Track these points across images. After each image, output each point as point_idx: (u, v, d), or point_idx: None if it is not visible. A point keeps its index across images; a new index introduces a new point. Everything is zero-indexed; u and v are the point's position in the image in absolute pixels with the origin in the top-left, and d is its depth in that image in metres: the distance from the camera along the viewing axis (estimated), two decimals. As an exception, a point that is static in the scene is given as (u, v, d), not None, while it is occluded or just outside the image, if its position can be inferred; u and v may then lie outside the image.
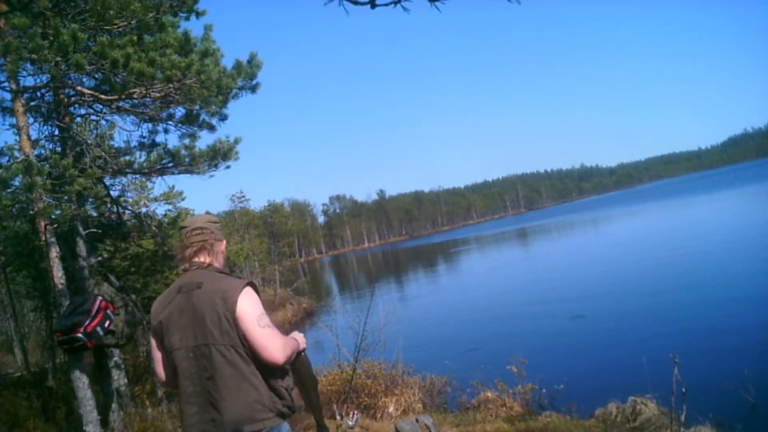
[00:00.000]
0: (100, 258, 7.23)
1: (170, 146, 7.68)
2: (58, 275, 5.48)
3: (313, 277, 53.40)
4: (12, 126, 5.93)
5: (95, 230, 7.21)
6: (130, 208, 8.70)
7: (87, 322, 4.97)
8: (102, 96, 6.34)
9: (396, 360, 9.33)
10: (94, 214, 8.24)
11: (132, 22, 5.90)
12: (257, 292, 2.24)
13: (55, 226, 5.94)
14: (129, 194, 9.00)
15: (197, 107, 6.91)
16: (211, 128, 7.55)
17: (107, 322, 5.17)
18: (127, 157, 7.80)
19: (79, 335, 4.95)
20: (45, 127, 6.67)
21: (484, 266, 38.30)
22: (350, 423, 6.95)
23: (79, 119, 6.89)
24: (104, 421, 6.02)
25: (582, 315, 15.21)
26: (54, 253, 5.46)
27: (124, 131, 7.95)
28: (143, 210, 8.73)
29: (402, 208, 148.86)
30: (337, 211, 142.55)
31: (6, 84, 5.59)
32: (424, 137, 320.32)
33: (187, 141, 7.57)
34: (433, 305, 23.94)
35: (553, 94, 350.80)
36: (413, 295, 29.44)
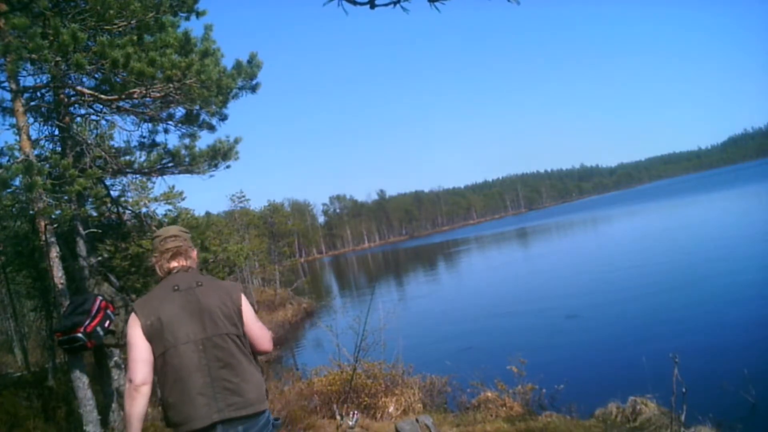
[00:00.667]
0: (100, 258, 7.23)
1: (170, 146, 7.70)
2: (58, 275, 5.48)
3: (313, 277, 53.41)
4: (12, 126, 5.93)
5: (95, 230, 7.21)
6: (130, 208, 8.70)
7: (87, 322, 4.97)
8: (102, 96, 6.34)
9: (396, 360, 9.34)
10: (94, 214, 8.24)
11: (132, 21, 5.90)
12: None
13: (55, 225, 5.94)
14: (129, 194, 9.00)
15: (197, 107, 6.91)
16: (211, 128, 7.55)
17: (107, 322, 5.17)
18: (127, 157, 7.80)
19: (79, 335, 4.95)
20: (45, 127, 6.68)
21: (484, 266, 38.30)
22: (350, 423, 6.95)
23: (79, 119, 6.88)
24: (104, 421, 6.03)
25: (576, 314, 15.24)
26: (54, 253, 5.46)
27: (124, 131, 7.96)
28: (143, 210, 8.72)
29: (402, 208, 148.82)
30: (337, 211, 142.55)
31: (6, 84, 5.59)
32: (424, 137, 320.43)
33: (187, 141, 7.58)
34: (433, 305, 23.94)
35: (554, 94, 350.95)
36: (413, 295, 29.45)
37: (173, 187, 11.86)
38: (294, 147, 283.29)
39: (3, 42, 4.91)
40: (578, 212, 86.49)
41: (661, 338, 11.09)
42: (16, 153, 5.66)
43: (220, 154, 7.50)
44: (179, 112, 7.36)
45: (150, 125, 7.59)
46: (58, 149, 6.65)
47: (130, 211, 8.52)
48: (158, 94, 6.28)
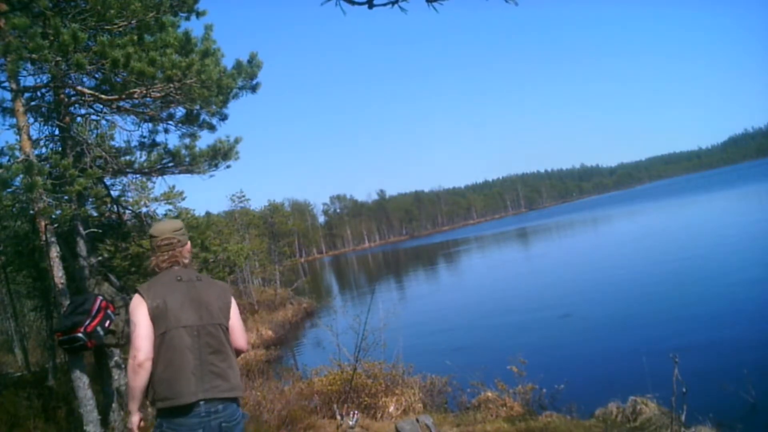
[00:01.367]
0: (100, 258, 7.23)
1: (170, 146, 7.69)
2: (59, 275, 5.48)
3: (313, 276, 53.44)
4: (12, 126, 5.94)
5: (95, 230, 7.21)
6: (130, 207, 8.70)
7: (87, 322, 4.96)
8: (102, 96, 6.34)
9: (396, 360, 9.33)
10: (95, 213, 8.23)
11: (132, 21, 5.90)
12: None
13: (56, 225, 5.94)
14: (129, 194, 8.99)
15: (197, 107, 6.91)
16: (212, 128, 7.54)
17: (107, 322, 5.16)
18: (128, 157, 7.80)
19: (80, 335, 4.94)
20: (45, 127, 6.67)
21: (484, 266, 38.30)
22: (350, 423, 6.96)
23: (79, 119, 6.88)
24: (104, 421, 6.02)
25: (576, 314, 15.26)
26: (54, 252, 5.46)
27: (125, 131, 7.94)
28: (144, 210, 8.72)
29: (402, 207, 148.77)
30: (338, 210, 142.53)
31: (6, 84, 5.60)
32: (424, 137, 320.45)
33: (187, 141, 7.57)
34: (433, 305, 23.93)
35: (554, 94, 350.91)
36: (413, 294, 29.44)
37: (173, 187, 11.86)
38: (294, 147, 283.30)
39: (3, 42, 4.91)
40: (578, 212, 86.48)
41: (661, 338, 11.09)
42: (17, 153, 5.65)
43: (220, 154, 7.50)
44: (179, 112, 7.36)
45: (150, 125, 7.59)
46: (59, 149, 6.65)
47: (130, 211, 8.52)
48: (158, 94, 6.28)
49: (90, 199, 7.49)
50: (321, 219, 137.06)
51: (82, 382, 5.45)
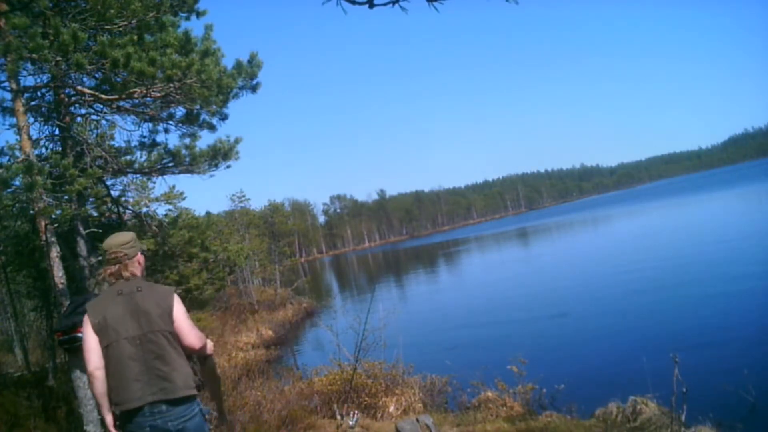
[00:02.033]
0: (100, 258, 7.22)
1: (171, 146, 7.70)
2: (59, 275, 5.48)
3: (313, 276, 53.43)
4: (12, 126, 5.95)
5: (96, 230, 7.21)
6: (130, 207, 8.71)
7: (87, 322, 4.96)
8: (102, 96, 6.34)
9: (396, 360, 9.33)
10: (95, 213, 8.24)
11: (132, 21, 5.90)
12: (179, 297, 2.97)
13: (56, 225, 5.94)
14: (129, 194, 9.01)
15: (198, 107, 6.91)
16: (212, 128, 7.55)
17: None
18: (128, 157, 7.81)
19: (80, 335, 4.91)
20: (45, 127, 6.68)
21: (484, 266, 38.31)
22: (351, 423, 6.96)
23: (79, 119, 6.89)
24: (104, 421, 6.02)
25: (576, 314, 15.27)
26: (54, 252, 5.46)
27: (125, 131, 7.97)
28: (144, 210, 8.73)
29: (402, 207, 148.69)
30: (338, 210, 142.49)
31: (6, 84, 5.60)
32: (424, 137, 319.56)
33: (187, 141, 7.58)
34: (433, 305, 23.94)
35: (554, 94, 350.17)
36: (414, 294, 29.45)
37: (173, 186, 11.90)
38: (294, 147, 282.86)
39: (3, 42, 4.91)
40: (579, 212, 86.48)
41: (661, 338, 11.09)
42: (17, 153, 5.67)
43: (220, 154, 7.50)
44: (180, 111, 7.37)
45: (150, 125, 7.59)
46: (59, 149, 6.65)
47: (130, 211, 8.53)
48: (159, 94, 6.29)
49: (90, 199, 7.50)
50: (321, 219, 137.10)
51: (82, 382, 5.46)
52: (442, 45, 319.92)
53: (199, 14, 6.91)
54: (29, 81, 6.28)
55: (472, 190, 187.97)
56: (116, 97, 6.30)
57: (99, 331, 2.76)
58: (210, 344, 3.17)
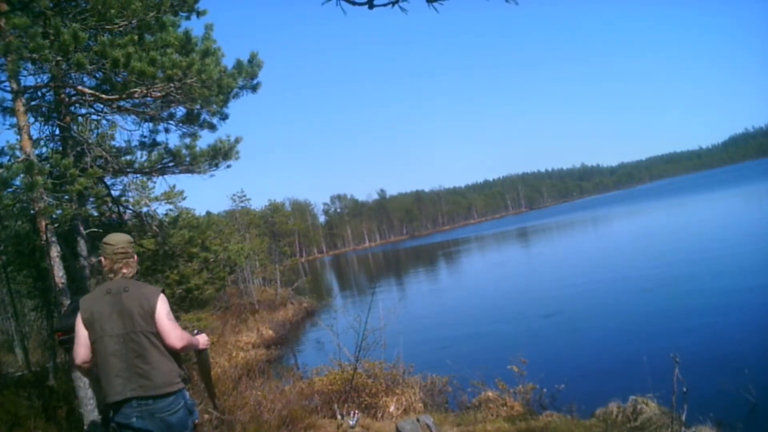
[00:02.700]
0: (100, 257, 7.22)
1: (171, 146, 7.69)
2: (59, 274, 5.49)
3: (313, 276, 53.39)
4: (13, 126, 5.94)
5: (96, 229, 7.21)
6: (130, 207, 8.70)
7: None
8: (103, 95, 6.34)
9: (396, 359, 9.33)
10: (95, 213, 8.24)
11: (133, 21, 5.90)
12: (166, 296, 3.08)
13: (56, 225, 5.94)
14: (130, 194, 8.98)
15: (198, 106, 6.91)
16: (212, 127, 7.54)
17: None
18: (128, 157, 7.81)
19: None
20: (46, 127, 6.68)
21: (484, 266, 38.30)
22: (351, 422, 6.96)
23: (80, 119, 6.89)
24: (105, 421, 6.02)
25: (569, 313, 15.27)
26: (55, 252, 5.47)
27: (125, 131, 7.95)
28: (144, 209, 8.71)
29: (402, 207, 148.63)
30: (338, 210, 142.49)
31: (7, 84, 5.60)
32: (424, 137, 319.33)
33: (187, 140, 7.57)
34: (433, 304, 23.94)
35: (554, 94, 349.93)
36: (414, 294, 29.45)
37: (174, 186, 11.88)
38: (294, 147, 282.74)
39: (4, 42, 4.91)
40: (579, 212, 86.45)
41: (661, 338, 11.09)
42: (17, 152, 5.67)
43: (220, 154, 7.50)
44: (180, 111, 7.36)
45: (151, 125, 7.59)
46: (59, 149, 6.65)
47: (130, 211, 8.53)
48: (159, 94, 6.29)
49: (90, 199, 7.49)
50: (321, 219, 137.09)
51: (82, 381, 5.46)
52: (442, 45, 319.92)
53: (199, 14, 6.91)
54: (29, 81, 6.28)
55: (473, 190, 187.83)
56: (117, 96, 6.30)
57: (87, 326, 2.94)
58: (204, 339, 3.33)
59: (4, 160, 6.27)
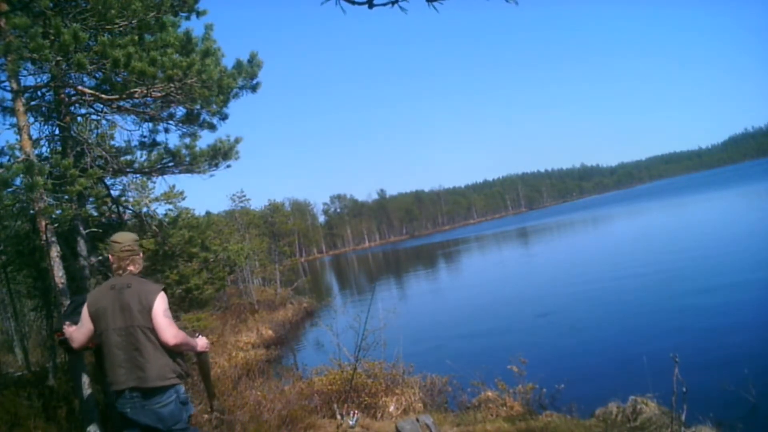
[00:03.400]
0: (100, 257, 7.22)
1: (171, 146, 7.68)
2: (59, 275, 5.48)
3: (313, 276, 53.39)
4: (13, 126, 5.94)
5: (96, 230, 7.21)
6: (130, 207, 8.70)
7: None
8: (103, 95, 6.34)
9: (396, 359, 9.33)
10: (95, 213, 8.23)
11: (133, 21, 5.90)
12: (167, 294, 3.25)
13: (56, 225, 5.94)
14: (129, 194, 8.97)
15: (198, 107, 6.91)
16: (212, 127, 7.54)
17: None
18: (128, 157, 7.80)
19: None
20: (46, 127, 6.67)
21: (484, 265, 38.29)
22: (351, 422, 6.96)
23: (80, 119, 6.88)
24: (105, 421, 6.02)
25: (569, 313, 15.27)
26: (55, 252, 5.46)
27: (125, 131, 7.94)
28: (144, 209, 8.70)
29: (402, 207, 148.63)
30: (338, 210, 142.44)
31: (6, 84, 5.59)
32: (424, 137, 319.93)
33: (187, 140, 7.56)
34: (433, 304, 23.94)
35: (554, 94, 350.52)
36: (414, 294, 29.44)
37: (174, 186, 11.86)
38: (294, 147, 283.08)
39: (4, 42, 4.91)
40: (579, 212, 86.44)
41: (661, 337, 11.10)
42: (17, 153, 5.65)
43: (220, 154, 7.49)
44: (180, 111, 7.35)
45: (150, 125, 7.58)
46: (59, 149, 6.65)
47: (130, 211, 8.52)
48: (159, 94, 6.28)
49: (90, 199, 7.49)
50: (321, 219, 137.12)
51: (82, 381, 5.46)
52: (442, 45, 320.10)
53: (199, 14, 6.90)
54: (29, 81, 6.27)
55: (473, 190, 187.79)
56: (117, 96, 6.29)
57: (94, 319, 3.19)
58: (203, 341, 3.50)
59: (4, 160, 6.26)
